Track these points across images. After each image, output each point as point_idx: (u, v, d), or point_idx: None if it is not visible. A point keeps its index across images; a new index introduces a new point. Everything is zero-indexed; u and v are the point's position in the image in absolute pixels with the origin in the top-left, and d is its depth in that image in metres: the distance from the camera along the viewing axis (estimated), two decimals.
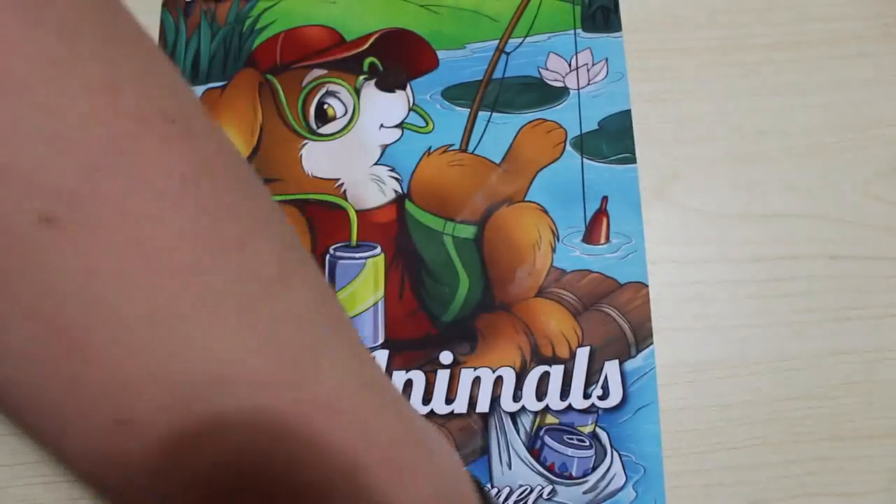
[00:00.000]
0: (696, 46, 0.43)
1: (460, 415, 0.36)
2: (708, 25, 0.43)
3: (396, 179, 0.40)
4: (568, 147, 0.40)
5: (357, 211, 0.39)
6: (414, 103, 0.41)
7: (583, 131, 0.40)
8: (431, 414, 0.37)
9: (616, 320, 0.38)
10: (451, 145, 0.40)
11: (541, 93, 0.41)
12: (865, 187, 0.40)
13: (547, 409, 0.37)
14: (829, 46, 0.43)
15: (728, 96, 0.42)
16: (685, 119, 0.41)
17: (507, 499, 0.36)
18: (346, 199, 0.39)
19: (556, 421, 0.37)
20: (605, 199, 0.39)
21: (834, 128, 0.41)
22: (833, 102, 0.42)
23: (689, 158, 0.41)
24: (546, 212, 0.39)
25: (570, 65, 0.41)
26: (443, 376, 0.37)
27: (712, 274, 0.39)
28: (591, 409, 0.37)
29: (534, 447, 0.36)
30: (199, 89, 0.41)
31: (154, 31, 0.43)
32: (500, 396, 0.37)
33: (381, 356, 0.37)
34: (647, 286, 0.38)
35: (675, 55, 0.42)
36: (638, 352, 0.37)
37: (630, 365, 0.37)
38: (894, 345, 0.38)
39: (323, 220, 0.39)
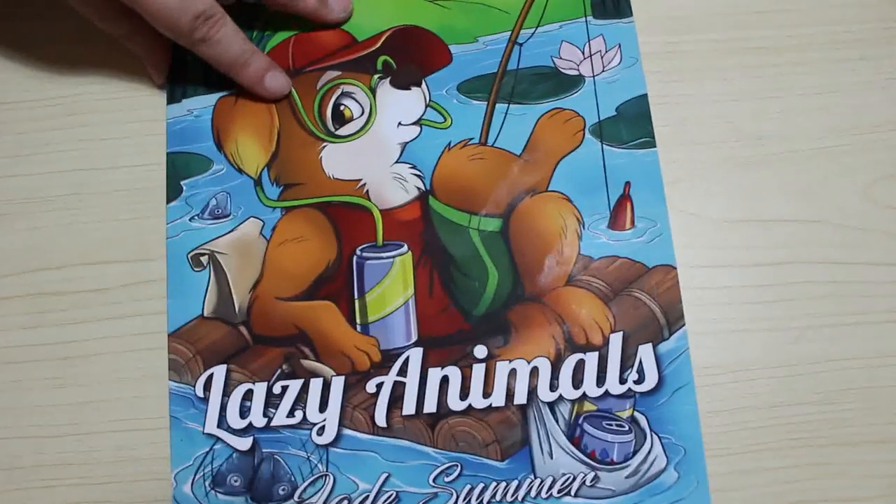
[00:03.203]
0: (697, 49, 0.42)
1: (498, 408, 0.36)
2: (708, 28, 0.42)
3: (418, 176, 0.40)
4: (587, 134, 0.40)
5: (381, 210, 0.39)
6: (430, 99, 0.41)
7: (601, 118, 0.40)
8: (470, 409, 0.37)
9: (647, 304, 0.38)
10: (471, 139, 0.40)
11: (556, 82, 0.41)
12: (867, 191, 0.40)
13: (584, 396, 0.37)
14: (831, 49, 0.42)
15: (728, 99, 0.41)
16: (685, 122, 0.41)
17: (550, 488, 0.36)
18: (369, 200, 0.39)
19: (594, 408, 0.37)
20: (627, 184, 0.39)
21: (836, 131, 0.41)
22: (835, 105, 0.41)
23: (689, 162, 0.40)
24: (570, 200, 0.39)
25: (583, 52, 0.41)
26: (478, 371, 0.37)
27: (711, 279, 0.39)
28: (627, 394, 0.37)
29: (574, 435, 0.36)
30: (213, 97, 0.41)
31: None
32: (536, 387, 0.37)
33: (416, 354, 0.37)
34: (675, 268, 0.38)
35: (675, 58, 0.42)
36: (671, 334, 0.37)
37: (664, 347, 0.37)
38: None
39: (348, 222, 0.39)
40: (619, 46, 0.41)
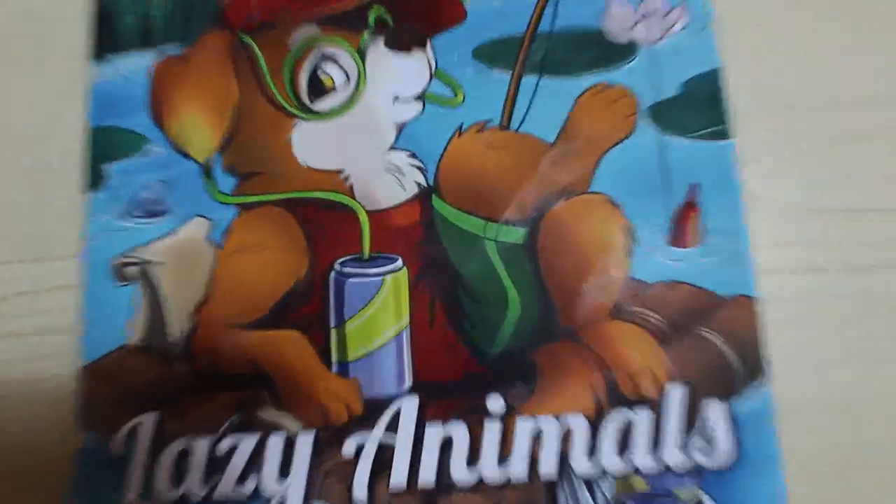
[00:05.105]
0: None
1: (518, 482, 0.31)
2: None
3: (419, 169, 0.35)
4: (641, 120, 0.36)
5: (369, 212, 0.35)
6: (437, 67, 0.36)
7: (660, 98, 0.36)
8: (480, 483, 0.31)
9: (718, 346, 0.33)
10: (489, 121, 0.36)
11: (602, 49, 0.36)
12: None
13: (633, 469, 0.31)
14: None
15: (817, 54, 0.37)
16: (759, 85, 0.37)
17: None
18: (353, 197, 0.35)
19: (646, 487, 0.32)
20: (694, 187, 0.35)
21: None
22: None
23: (764, 136, 0.36)
24: (618, 206, 0.35)
25: (637, 11, 0.37)
26: (492, 429, 0.32)
27: (788, 287, 0.34)
28: (691, 469, 0.31)
29: None
30: (153, 56, 0.36)
31: None
32: (569, 454, 0.32)
33: (410, 405, 0.32)
34: (756, 300, 0.33)
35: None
36: (751, 388, 0.32)
37: (741, 406, 0.32)
38: None
39: (324, 226, 0.35)
40: (685, 4, 0.37)
